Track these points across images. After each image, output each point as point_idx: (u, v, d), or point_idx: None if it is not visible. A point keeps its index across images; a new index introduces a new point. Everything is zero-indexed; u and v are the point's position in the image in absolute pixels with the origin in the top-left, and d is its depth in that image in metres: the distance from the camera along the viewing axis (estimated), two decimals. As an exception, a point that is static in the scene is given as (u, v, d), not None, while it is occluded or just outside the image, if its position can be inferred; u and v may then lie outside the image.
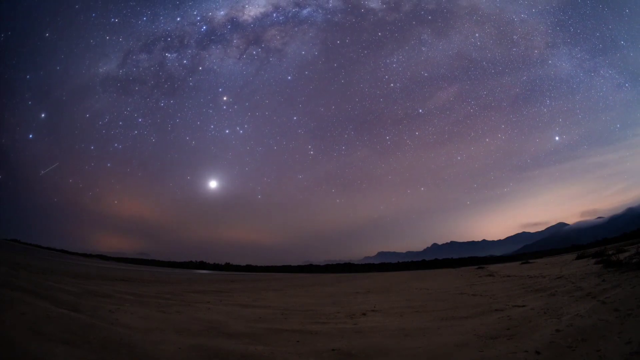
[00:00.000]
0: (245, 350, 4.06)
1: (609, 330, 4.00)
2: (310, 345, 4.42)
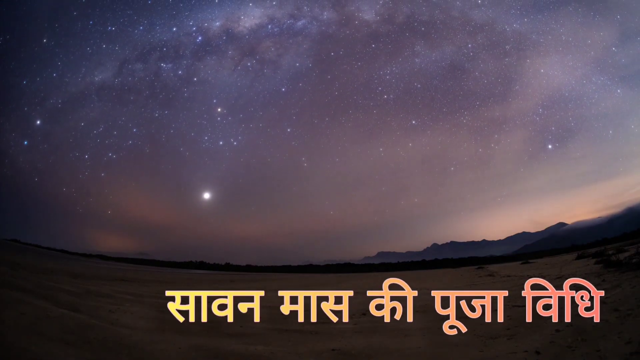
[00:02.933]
0: (245, 350, 4.06)
1: (609, 330, 4.00)
2: (310, 345, 4.42)
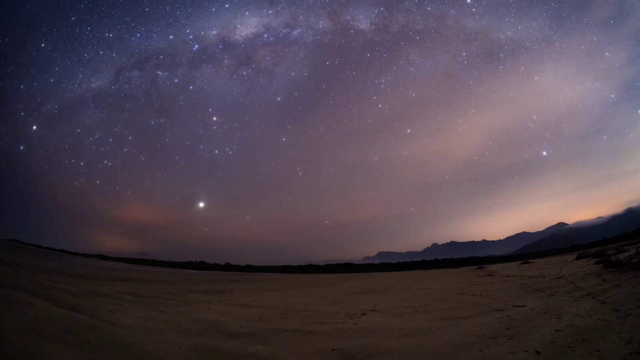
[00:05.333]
0: (245, 350, 4.06)
1: (608, 330, 4.00)
2: (310, 345, 4.42)
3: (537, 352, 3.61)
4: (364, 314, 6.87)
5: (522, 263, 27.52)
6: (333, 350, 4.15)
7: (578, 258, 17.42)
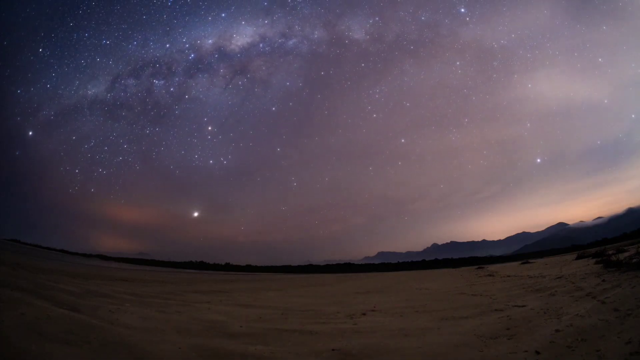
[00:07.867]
0: (245, 350, 4.06)
1: (608, 330, 4.00)
2: (310, 345, 4.42)
3: (537, 352, 3.61)
4: (364, 314, 6.87)
5: (522, 263, 27.52)
6: (333, 350, 4.15)
7: (578, 258, 17.43)
